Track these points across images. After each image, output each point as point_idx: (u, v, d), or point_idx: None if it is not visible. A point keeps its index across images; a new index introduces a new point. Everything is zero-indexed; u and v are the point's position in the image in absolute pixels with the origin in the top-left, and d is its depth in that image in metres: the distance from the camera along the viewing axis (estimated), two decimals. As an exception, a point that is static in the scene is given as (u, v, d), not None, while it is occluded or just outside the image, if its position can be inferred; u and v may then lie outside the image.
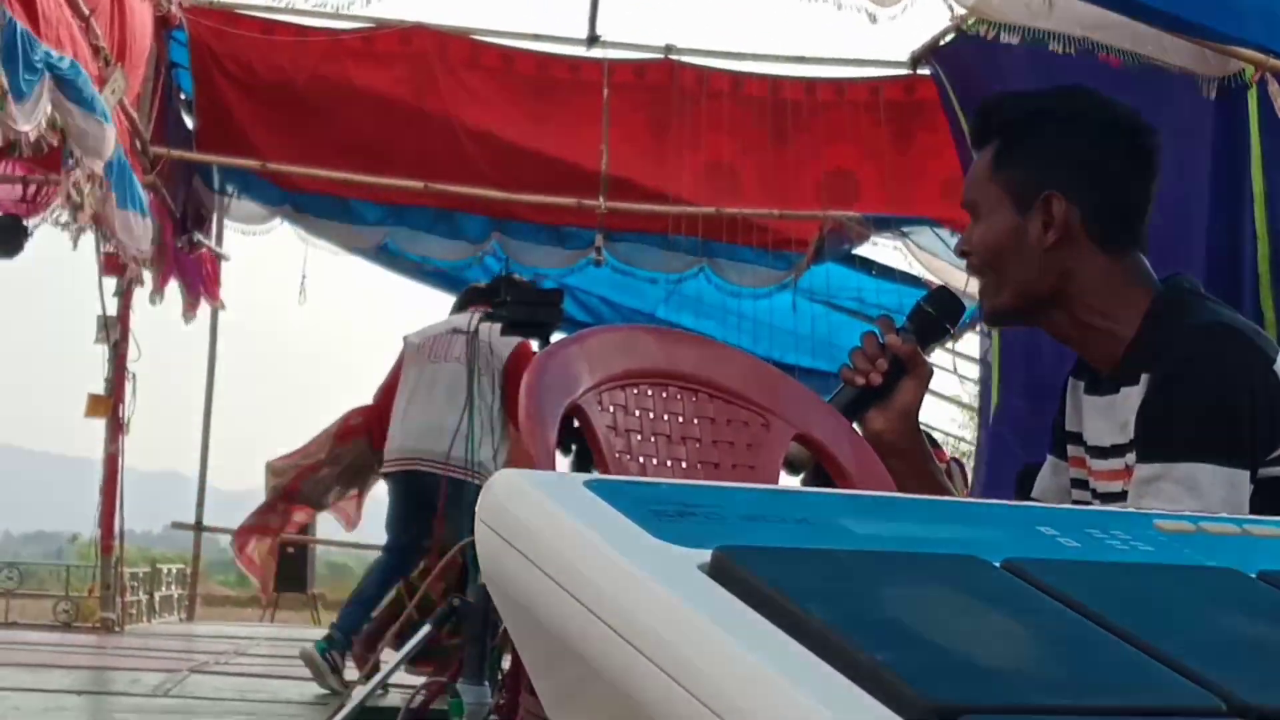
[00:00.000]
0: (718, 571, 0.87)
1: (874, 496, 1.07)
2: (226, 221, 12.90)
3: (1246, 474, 2.28)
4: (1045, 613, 0.89)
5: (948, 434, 18.45)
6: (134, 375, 12.85)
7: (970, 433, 20.62)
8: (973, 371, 15.56)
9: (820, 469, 2.53)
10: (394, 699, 6.36)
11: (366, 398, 8.55)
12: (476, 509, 0.95)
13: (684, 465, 2.39)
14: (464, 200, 11.97)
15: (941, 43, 10.01)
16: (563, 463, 2.28)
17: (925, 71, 10.85)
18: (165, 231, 11.70)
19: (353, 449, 8.65)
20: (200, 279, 13.02)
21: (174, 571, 16.64)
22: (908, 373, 2.52)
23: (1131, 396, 2.39)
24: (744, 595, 0.84)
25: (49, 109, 8.00)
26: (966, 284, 3.15)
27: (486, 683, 5.22)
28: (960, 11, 8.19)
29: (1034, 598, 0.91)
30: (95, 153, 8.60)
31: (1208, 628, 0.92)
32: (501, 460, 7.54)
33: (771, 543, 0.91)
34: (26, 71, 7.76)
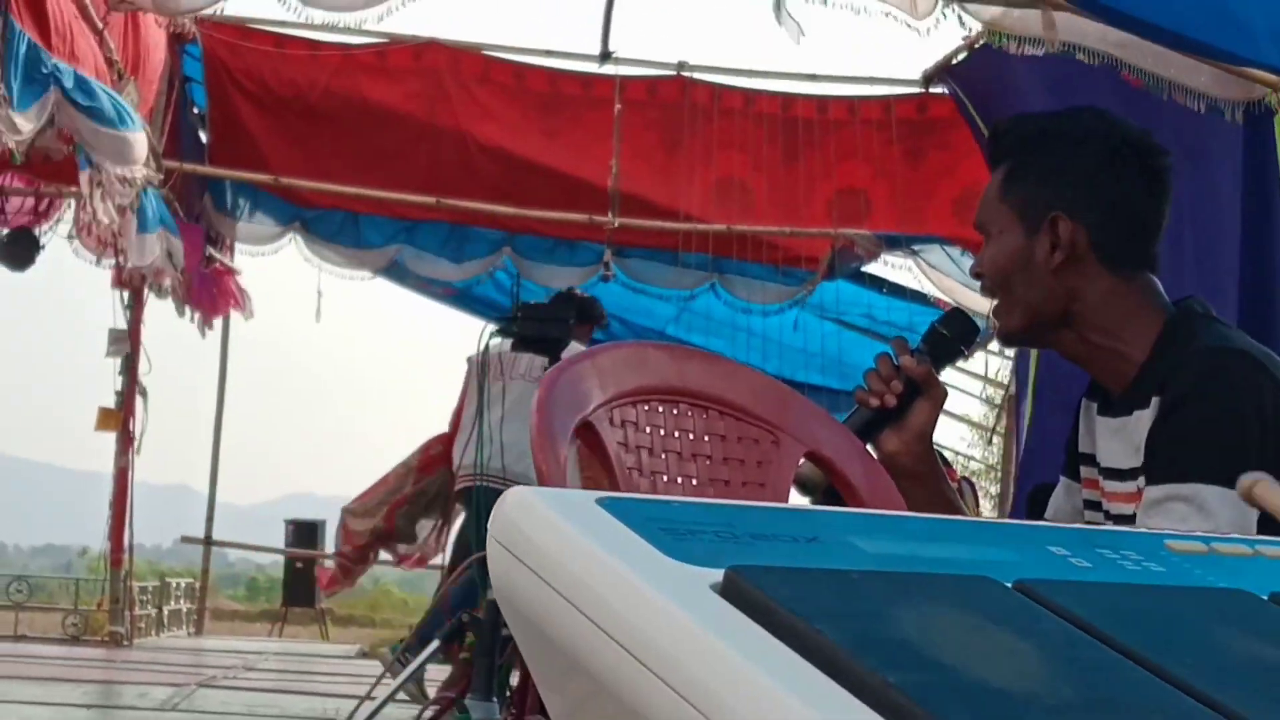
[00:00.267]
0: (729, 591, 0.87)
1: (885, 516, 1.06)
2: (237, 242, 12.93)
3: None
4: (1057, 634, 0.89)
5: (957, 453, 18.48)
6: (144, 389, 12.86)
7: (979, 451, 20.67)
8: (982, 391, 15.57)
9: (832, 490, 2.53)
10: (402, 714, 6.36)
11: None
12: (489, 525, 0.95)
13: (694, 482, 2.39)
14: (475, 215, 11.99)
15: (954, 61, 10.02)
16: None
17: (938, 90, 10.86)
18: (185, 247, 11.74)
19: (438, 478, 8.66)
20: (218, 294, 13.05)
21: (183, 586, 16.66)
22: (922, 394, 2.52)
23: (1143, 419, 2.39)
24: (755, 615, 0.84)
25: (53, 120, 8.01)
26: (987, 309, 3.14)
27: (495, 699, 5.22)
28: (974, 28, 8.19)
29: (1045, 619, 0.91)
30: (117, 158, 8.61)
31: (1219, 650, 0.92)
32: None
33: (783, 562, 0.91)
34: (29, 82, 7.78)
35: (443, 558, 9.24)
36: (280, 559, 20.04)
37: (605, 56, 11.33)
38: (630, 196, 11.69)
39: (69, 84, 8.07)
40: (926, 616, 0.87)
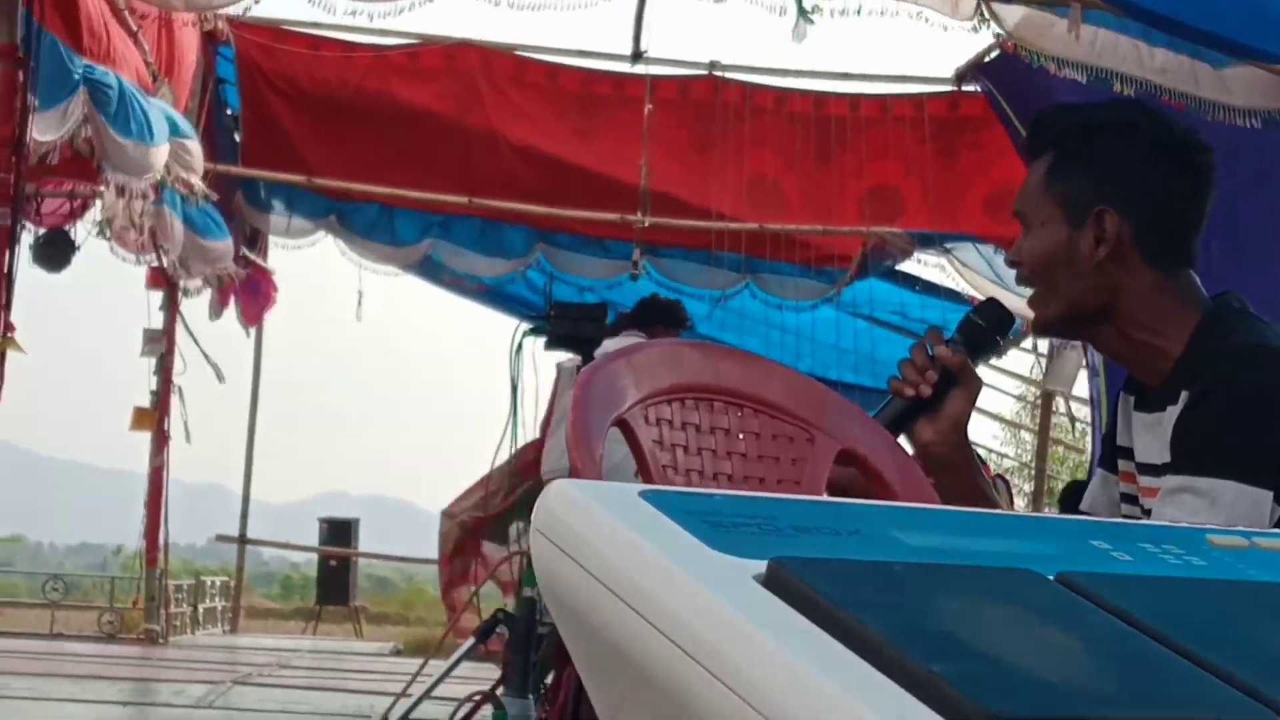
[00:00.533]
0: (772, 582, 0.87)
1: (926, 509, 1.07)
2: (271, 237, 12.97)
3: (1270, 495, 2.27)
4: (1099, 626, 0.90)
5: (990, 450, 18.44)
6: (179, 388, 12.91)
7: (1013, 449, 20.62)
8: (1015, 388, 15.54)
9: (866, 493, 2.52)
10: (438, 711, 6.37)
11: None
12: (532, 519, 0.96)
13: (729, 480, 2.39)
14: (508, 214, 12.01)
15: (987, 58, 10.00)
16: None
17: (970, 88, 10.84)
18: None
19: (534, 483, 8.67)
20: (259, 295, 13.12)
21: (218, 584, 16.73)
22: (957, 384, 2.51)
23: (1174, 415, 2.39)
24: (799, 606, 0.85)
25: (80, 122, 8.05)
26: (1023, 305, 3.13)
27: (530, 695, 5.22)
28: (1010, 23, 8.20)
29: (1088, 610, 0.91)
30: (132, 170, 8.64)
31: (1260, 642, 0.92)
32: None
33: (825, 554, 0.92)
34: (54, 84, 7.82)
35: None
36: (314, 557, 20.10)
37: (637, 56, 11.33)
38: (662, 196, 11.70)
39: (97, 87, 8.10)
40: (969, 608, 0.88)
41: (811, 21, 8.97)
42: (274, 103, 11.89)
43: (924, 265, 12.35)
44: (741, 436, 2.43)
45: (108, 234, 11.32)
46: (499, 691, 5.36)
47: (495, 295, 13.27)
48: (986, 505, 2.52)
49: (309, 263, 13.48)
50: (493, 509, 8.74)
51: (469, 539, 9.05)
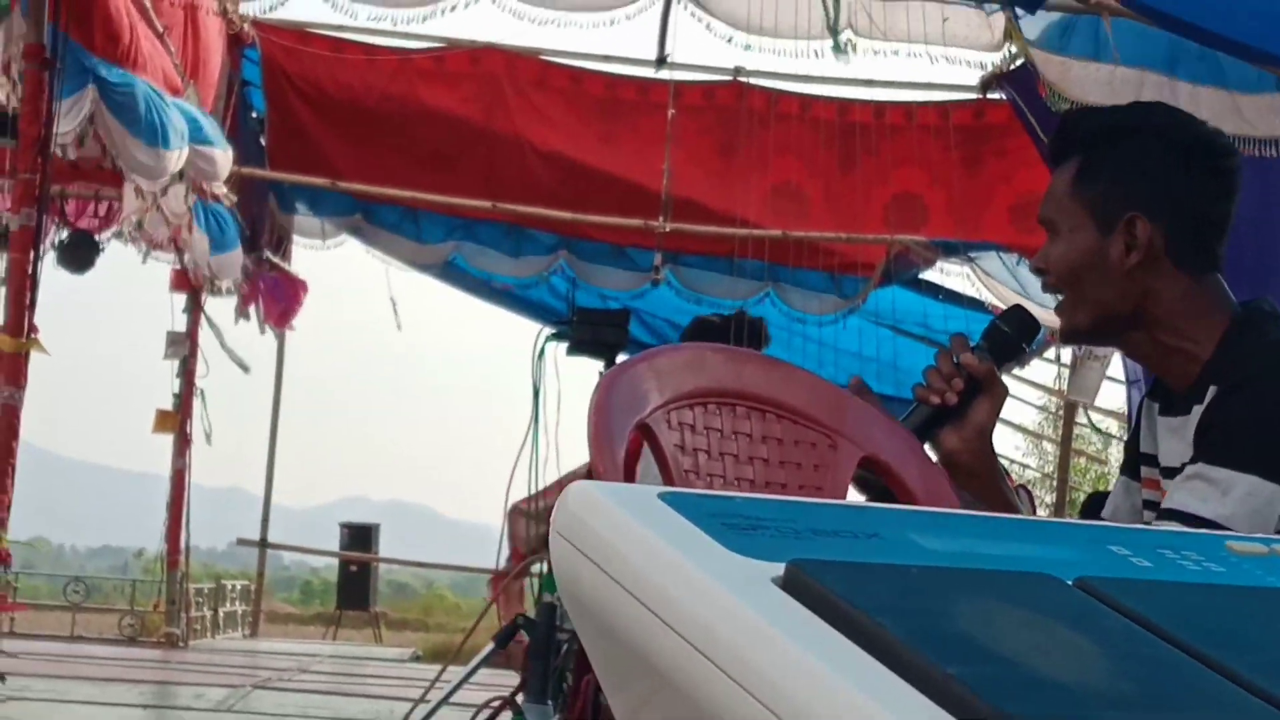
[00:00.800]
0: (791, 585, 0.87)
1: (945, 513, 1.07)
2: (296, 238, 12.99)
3: None
4: (1117, 631, 0.89)
5: (1012, 460, 18.40)
6: (202, 391, 12.94)
7: (1035, 460, 20.58)
8: (1037, 398, 15.51)
9: (887, 493, 2.51)
10: (457, 717, 6.37)
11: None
12: (552, 521, 0.96)
13: (751, 485, 2.39)
14: (531, 219, 12.02)
15: (1012, 66, 9.99)
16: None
17: (995, 96, 10.82)
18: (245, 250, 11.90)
19: None
20: (285, 299, 13.14)
21: (238, 588, 16.75)
22: (982, 392, 2.50)
23: (1199, 414, 2.38)
24: (817, 608, 0.85)
25: (87, 119, 8.07)
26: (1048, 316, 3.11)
27: (549, 701, 5.21)
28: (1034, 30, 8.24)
29: (1106, 616, 0.91)
30: (144, 173, 8.66)
31: (1279, 648, 0.92)
32: None
33: (843, 557, 0.92)
34: (64, 79, 7.84)
35: None
36: (335, 562, 20.11)
37: (661, 61, 11.34)
38: (686, 201, 11.70)
39: (107, 86, 8.10)
40: (988, 612, 0.88)
41: (847, 57, 9.08)
42: (299, 106, 11.92)
43: (947, 274, 12.33)
44: (764, 441, 2.43)
45: (134, 236, 11.37)
46: (518, 698, 5.36)
47: (518, 299, 13.27)
48: (1009, 511, 2.51)
49: (333, 265, 13.52)
50: None
51: (543, 544, 8.99)
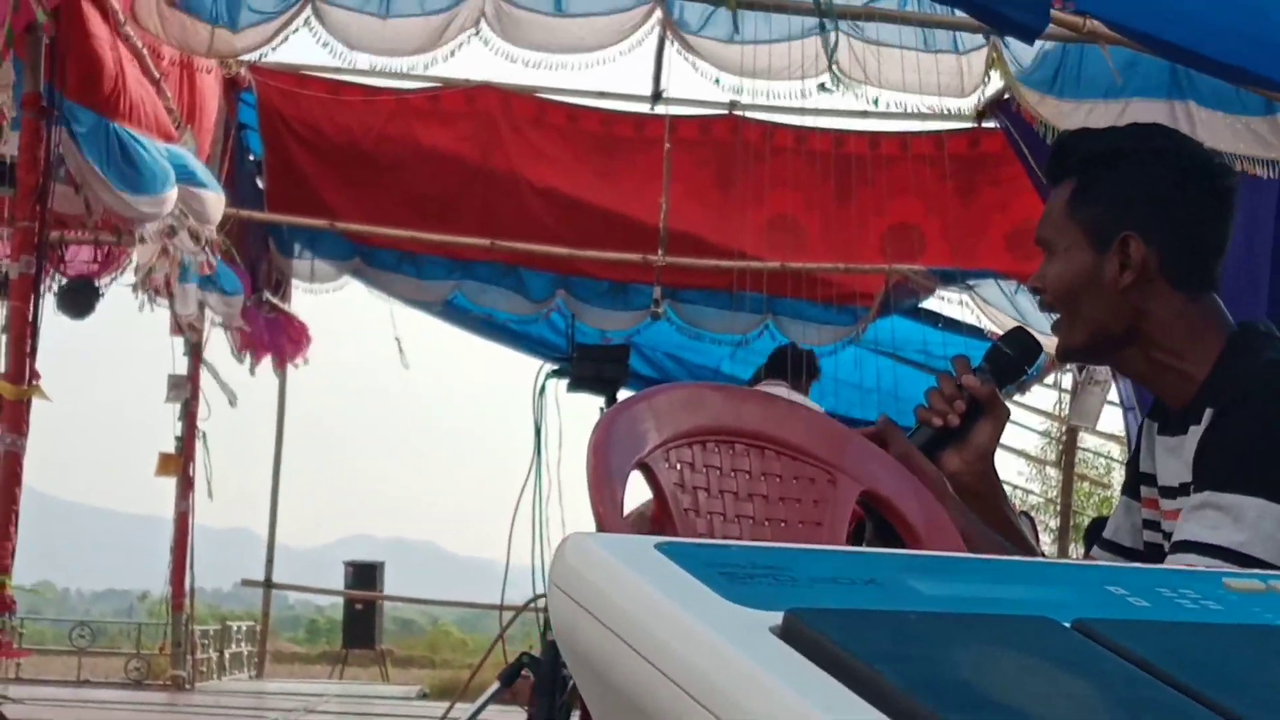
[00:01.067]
0: (789, 634, 0.87)
1: (942, 557, 1.07)
2: (295, 281, 13.01)
3: None
4: (1116, 674, 0.90)
5: (1014, 486, 18.39)
6: (204, 434, 12.94)
7: (1038, 485, 20.56)
8: (1039, 423, 15.51)
9: (883, 524, 2.51)
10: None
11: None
12: (549, 574, 0.96)
13: (751, 522, 2.39)
14: (529, 257, 12.04)
15: (1006, 95, 10.01)
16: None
17: (990, 124, 10.85)
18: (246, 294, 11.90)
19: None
20: (285, 340, 13.15)
21: (244, 629, 16.73)
22: (984, 413, 2.51)
23: (1197, 435, 2.38)
24: (815, 657, 0.85)
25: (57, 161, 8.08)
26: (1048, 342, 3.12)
27: (555, 739, 5.21)
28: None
29: (1104, 658, 0.91)
30: (120, 215, 8.66)
31: (1277, 687, 0.92)
32: None
33: (842, 604, 0.92)
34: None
35: None
36: (340, 601, 20.10)
37: (657, 97, 11.36)
38: (683, 235, 11.73)
39: (80, 129, 8.09)
40: (986, 657, 0.88)
41: (832, 92, 9.18)
42: (295, 149, 11.94)
43: (946, 302, 12.35)
44: (763, 478, 2.43)
45: (144, 285, 11.38)
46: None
47: (518, 336, 13.29)
48: (1013, 535, 2.52)
49: (333, 307, 13.53)
50: None
51: None
